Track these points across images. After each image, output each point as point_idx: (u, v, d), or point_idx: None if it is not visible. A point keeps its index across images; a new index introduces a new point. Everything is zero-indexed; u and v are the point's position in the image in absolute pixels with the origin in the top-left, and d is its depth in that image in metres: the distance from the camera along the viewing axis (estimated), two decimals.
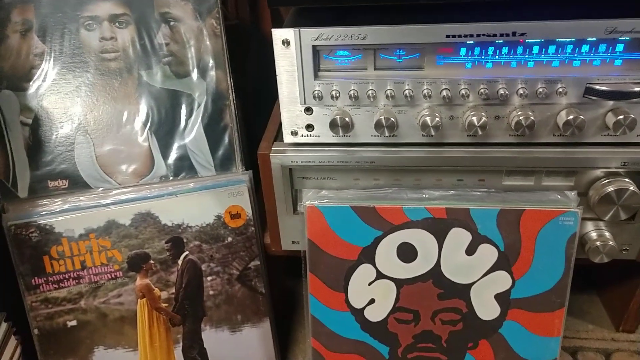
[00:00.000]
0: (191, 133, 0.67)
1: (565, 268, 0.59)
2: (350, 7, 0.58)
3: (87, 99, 0.66)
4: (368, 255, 0.61)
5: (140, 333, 0.69)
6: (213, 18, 0.66)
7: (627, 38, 0.51)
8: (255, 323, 0.71)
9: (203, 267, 0.68)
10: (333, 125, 0.57)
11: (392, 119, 0.56)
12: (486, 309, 0.62)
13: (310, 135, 0.60)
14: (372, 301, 0.63)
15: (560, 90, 0.53)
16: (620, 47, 0.52)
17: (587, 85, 0.53)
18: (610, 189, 0.56)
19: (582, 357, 0.76)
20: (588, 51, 0.53)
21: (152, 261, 0.67)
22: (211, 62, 0.67)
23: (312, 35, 0.53)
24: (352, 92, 0.56)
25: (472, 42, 0.53)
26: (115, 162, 0.67)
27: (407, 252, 0.60)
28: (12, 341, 0.67)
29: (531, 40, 0.52)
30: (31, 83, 0.65)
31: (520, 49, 0.53)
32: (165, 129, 0.67)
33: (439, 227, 0.59)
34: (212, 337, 0.70)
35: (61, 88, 0.66)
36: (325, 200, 0.61)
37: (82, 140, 0.66)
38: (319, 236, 0.61)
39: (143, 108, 0.67)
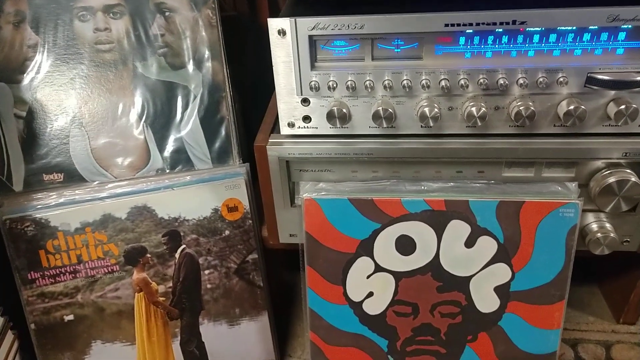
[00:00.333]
0: (187, 125, 0.67)
1: (566, 260, 0.58)
2: None
3: (81, 91, 0.65)
4: (366, 248, 0.60)
5: (137, 327, 0.68)
6: (209, 8, 0.65)
7: (629, 26, 0.50)
8: (253, 317, 0.71)
9: (200, 260, 0.68)
10: (330, 116, 0.56)
11: (390, 110, 0.55)
12: (485, 301, 0.61)
13: (308, 127, 0.59)
14: (370, 294, 0.62)
15: (561, 79, 0.52)
16: (622, 36, 0.51)
17: (589, 74, 0.52)
18: (612, 180, 0.56)
19: (582, 349, 0.75)
20: (589, 40, 0.52)
21: (149, 255, 0.67)
22: (207, 53, 0.66)
23: (309, 24, 0.53)
24: (349, 82, 0.55)
25: (471, 31, 0.52)
26: (111, 155, 0.66)
27: (405, 245, 0.60)
28: (9, 336, 0.66)
29: (531, 29, 0.51)
30: (25, 75, 0.64)
31: (520, 38, 0.52)
32: (161, 121, 0.66)
33: (438, 220, 0.58)
34: (210, 331, 0.70)
35: (55, 80, 0.65)
36: (323, 193, 0.60)
37: (77, 133, 0.66)
38: (316, 229, 0.60)
39: (138, 100, 0.66)
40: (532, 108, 0.53)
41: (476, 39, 0.53)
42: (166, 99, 0.66)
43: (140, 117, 0.66)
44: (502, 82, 0.53)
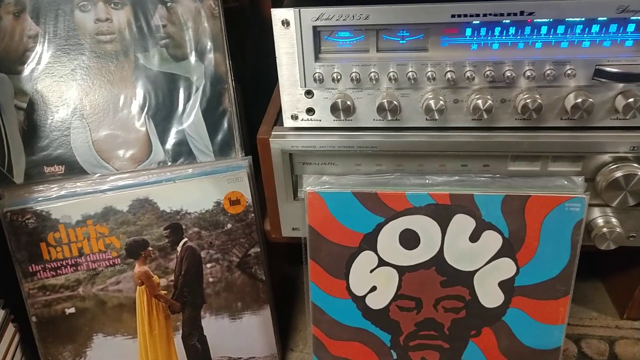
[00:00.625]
0: (189, 117, 0.66)
1: (571, 255, 0.58)
2: None
3: (82, 83, 0.65)
4: (370, 242, 0.60)
5: (139, 320, 0.68)
6: None
7: (639, 18, 0.50)
8: (255, 310, 0.71)
9: (202, 254, 0.68)
10: (334, 108, 0.56)
11: (395, 103, 0.54)
12: (490, 296, 0.61)
13: (311, 120, 0.59)
14: (373, 289, 0.62)
15: (569, 72, 0.52)
16: (631, 27, 0.51)
17: (597, 67, 0.51)
18: (619, 174, 0.55)
19: (585, 344, 0.75)
20: (598, 31, 0.51)
21: (150, 248, 0.66)
22: (209, 45, 0.65)
23: (313, 15, 0.52)
24: (353, 74, 0.54)
25: (478, 22, 0.51)
26: (112, 147, 0.66)
27: (409, 239, 0.59)
28: (10, 328, 0.66)
29: (539, 20, 0.50)
30: (25, 66, 0.63)
31: (527, 30, 0.51)
32: (163, 113, 0.66)
33: (442, 214, 0.58)
34: (211, 325, 0.70)
35: (56, 71, 0.64)
36: (326, 186, 0.60)
37: (78, 125, 0.65)
38: (319, 223, 0.60)
39: (140, 92, 0.65)
40: (539, 101, 0.52)
41: (483, 30, 0.52)
42: (168, 91, 0.65)
43: (142, 109, 0.65)
44: (508, 74, 0.52)
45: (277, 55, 0.55)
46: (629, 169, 0.55)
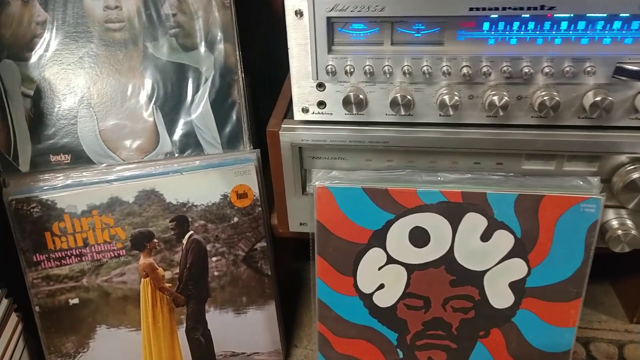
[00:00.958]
0: (198, 109, 0.65)
1: (585, 257, 0.57)
2: None
3: (90, 71, 0.64)
4: (379, 239, 0.59)
5: (143, 313, 0.67)
6: None
7: None
8: (260, 305, 0.70)
9: (208, 247, 0.67)
10: (346, 102, 0.55)
11: (409, 97, 0.53)
12: (499, 297, 0.60)
13: (322, 113, 0.57)
14: (381, 286, 0.61)
15: (589, 69, 0.50)
16: None
17: (617, 64, 0.50)
18: (636, 175, 0.54)
19: (594, 348, 0.74)
20: (620, 28, 0.49)
21: (156, 240, 0.66)
22: (220, 35, 0.64)
23: (327, 5, 0.51)
24: (367, 67, 0.53)
25: (496, 16, 0.50)
26: (119, 137, 0.65)
27: (419, 237, 0.58)
28: (14, 318, 0.66)
29: (560, 15, 0.49)
30: (33, 53, 0.63)
31: (547, 25, 0.50)
32: (171, 103, 0.65)
33: (453, 212, 0.57)
34: (216, 319, 0.69)
35: (64, 59, 0.63)
36: (335, 181, 0.59)
37: (85, 114, 0.64)
38: (328, 218, 0.59)
39: (148, 82, 0.64)
40: (556, 98, 0.51)
41: (501, 25, 0.51)
42: (177, 81, 0.65)
43: (149, 99, 0.65)
44: (526, 70, 0.51)
45: (289, 47, 0.54)
46: None
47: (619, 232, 0.57)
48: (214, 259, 0.67)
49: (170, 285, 0.67)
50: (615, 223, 0.58)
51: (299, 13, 0.52)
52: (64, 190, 0.63)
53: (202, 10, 0.63)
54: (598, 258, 0.59)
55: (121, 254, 0.65)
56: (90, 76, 0.64)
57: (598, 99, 0.51)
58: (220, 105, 0.65)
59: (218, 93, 0.65)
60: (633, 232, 0.57)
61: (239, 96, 0.65)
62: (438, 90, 0.54)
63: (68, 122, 0.64)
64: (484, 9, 0.49)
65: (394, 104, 0.54)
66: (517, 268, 0.58)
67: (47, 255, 0.64)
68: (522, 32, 0.51)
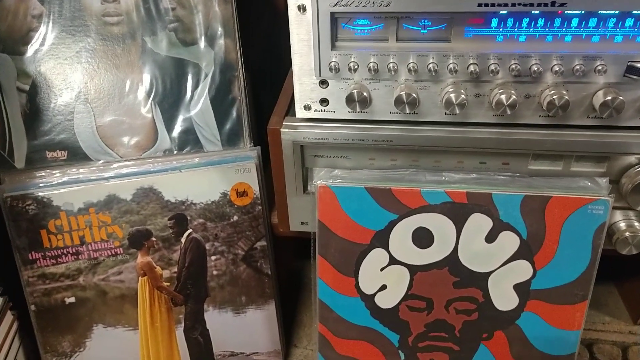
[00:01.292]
0: (197, 105, 0.64)
1: (591, 260, 0.56)
2: None
3: (87, 66, 0.62)
4: (381, 239, 0.58)
5: (140, 312, 0.66)
6: None
7: None
8: (259, 305, 0.69)
9: (207, 246, 0.66)
10: (350, 100, 0.53)
11: (414, 95, 0.52)
12: (504, 299, 0.59)
13: (325, 111, 0.56)
14: (383, 287, 0.60)
15: (599, 67, 0.49)
16: None
17: (629, 63, 0.49)
18: None
19: (598, 350, 0.73)
20: (632, 26, 0.48)
21: (154, 238, 0.64)
22: (220, 30, 0.63)
23: (331, 0, 0.49)
24: (371, 64, 0.52)
25: (505, 12, 0.48)
26: (117, 133, 0.63)
27: (423, 238, 0.57)
28: (9, 316, 0.65)
29: (570, 12, 0.48)
30: (29, 47, 0.61)
31: (557, 22, 0.49)
32: (170, 100, 0.63)
33: (458, 212, 0.56)
34: (215, 319, 0.68)
35: (60, 53, 0.62)
36: (338, 180, 0.57)
37: (82, 110, 0.63)
38: (330, 218, 0.58)
39: (147, 77, 0.63)
40: (566, 97, 0.50)
41: (510, 21, 0.49)
42: (176, 77, 0.63)
43: (148, 94, 0.63)
44: (535, 68, 0.49)
45: (291, 43, 0.53)
46: None
47: (627, 234, 0.56)
48: (213, 257, 0.66)
49: (168, 284, 0.66)
50: (622, 225, 0.57)
51: (301, 8, 0.50)
52: (61, 188, 0.62)
53: (202, 4, 0.62)
54: (602, 259, 0.58)
55: (118, 252, 0.64)
56: (87, 71, 0.62)
57: (609, 98, 0.49)
58: (220, 102, 0.64)
59: (218, 89, 0.63)
60: None
61: (239, 93, 0.64)
62: (444, 88, 0.52)
63: (64, 118, 0.63)
64: (492, 5, 0.48)
65: (398, 102, 0.52)
66: (523, 270, 0.57)
67: (42, 254, 0.63)
68: (531, 30, 0.49)
